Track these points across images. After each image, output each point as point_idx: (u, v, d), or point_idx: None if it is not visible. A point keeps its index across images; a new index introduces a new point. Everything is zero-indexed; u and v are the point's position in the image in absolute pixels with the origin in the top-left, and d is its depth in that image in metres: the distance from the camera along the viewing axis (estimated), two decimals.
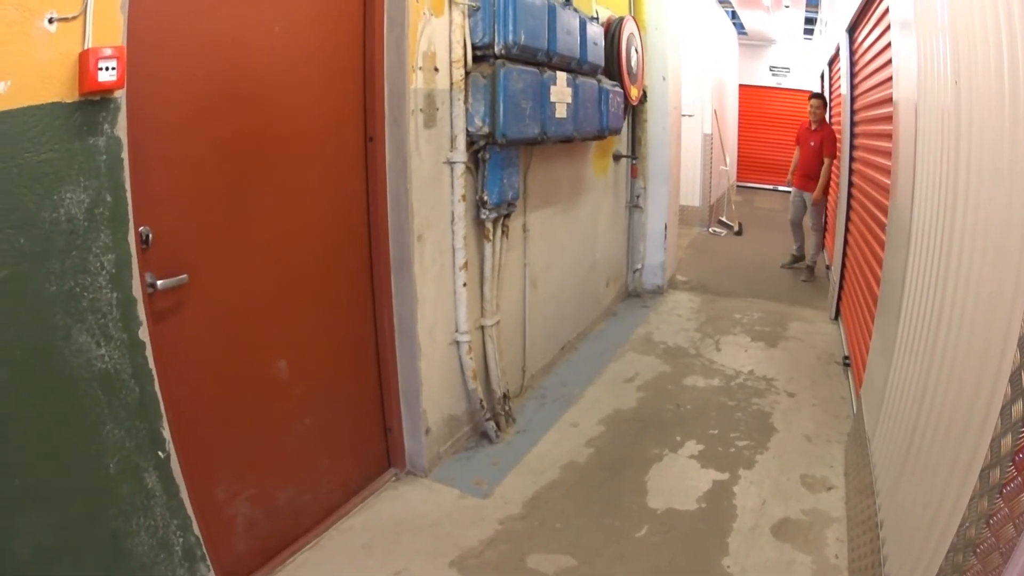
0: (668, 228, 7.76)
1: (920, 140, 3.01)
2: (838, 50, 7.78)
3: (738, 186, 16.60)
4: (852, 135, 6.66)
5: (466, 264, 4.02)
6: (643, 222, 7.65)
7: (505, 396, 4.54)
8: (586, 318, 6.39)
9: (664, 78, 7.33)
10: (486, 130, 3.88)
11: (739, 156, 16.78)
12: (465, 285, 4.04)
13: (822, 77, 11.38)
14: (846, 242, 6.65)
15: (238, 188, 2.89)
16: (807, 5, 12.88)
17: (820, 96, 8.83)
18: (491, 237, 4.26)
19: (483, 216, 4.15)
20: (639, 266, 7.75)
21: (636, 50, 6.38)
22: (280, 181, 3.09)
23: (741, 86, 16.89)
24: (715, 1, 11.77)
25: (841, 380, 5.47)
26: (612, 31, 5.88)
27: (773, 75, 18.05)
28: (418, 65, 3.57)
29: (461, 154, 3.90)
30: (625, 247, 7.60)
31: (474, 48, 3.88)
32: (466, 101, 3.86)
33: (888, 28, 4.56)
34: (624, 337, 6.44)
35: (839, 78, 7.94)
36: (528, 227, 4.90)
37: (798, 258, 9.33)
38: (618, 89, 5.70)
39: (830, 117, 9.16)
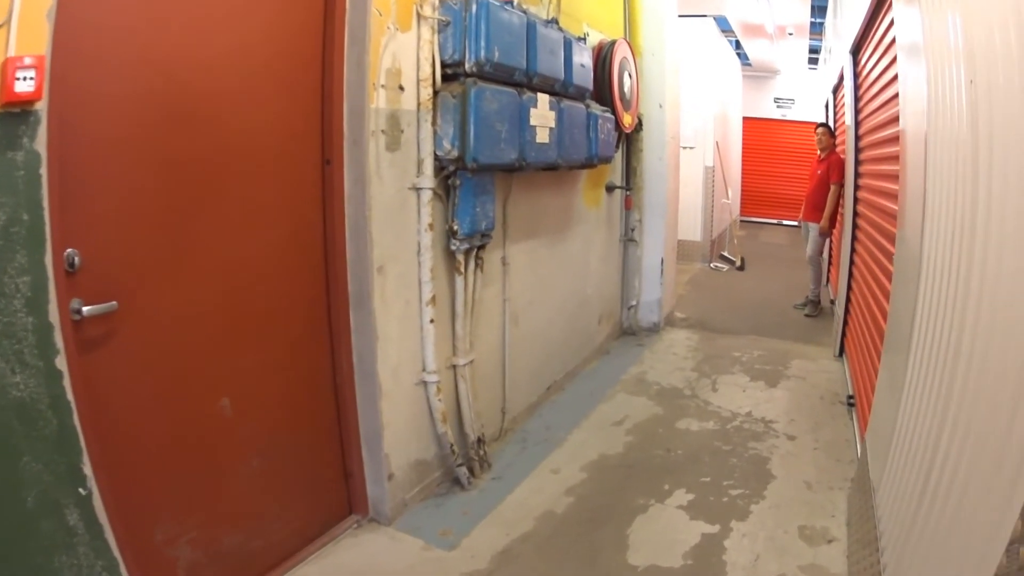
0: (665, 263, 7.50)
1: (931, 168, 2.77)
2: (842, 75, 7.57)
3: (742, 220, 16.45)
4: (857, 161, 6.43)
5: (434, 299, 3.74)
6: (638, 256, 7.38)
7: (480, 440, 4.25)
8: (576, 356, 6.10)
9: (661, 106, 7.11)
10: (455, 154, 3.61)
11: (743, 189, 16.68)
12: (432, 321, 3.75)
13: (827, 106, 11.21)
14: (851, 274, 6.43)
15: (180, 212, 2.74)
16: (811, 33, 12.74)
17: (825, 125, 8.62)
18: (463, 270, 3.97)
19: (454, 247, 3.87)
20: (634, 302, 7.46)
21: (630, 75, 6.15)
22: (228, 206, 2.93)
23: (745, 118, 16.78)
24: (718, 31, 11.58)
25: (845, 422, 5.20)
26: (604, 54, 5.66)
27: (778, 107, 17.96)
28: (380, 83, 3.34)
29: (429, 180, 3.63)
30: (619, 282, 7.32)
31: (444, 65, 3.63)
32: (434, 123, 3.61)
33: (891, 45, 4.37)
34: (616, 377, 6.15)
35: (843, 103, 7.72)
36: (508, 260, 4.62)
37: (815, 303, 8.76)
38: (609, 115, 5.45)
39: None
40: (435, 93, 3.60)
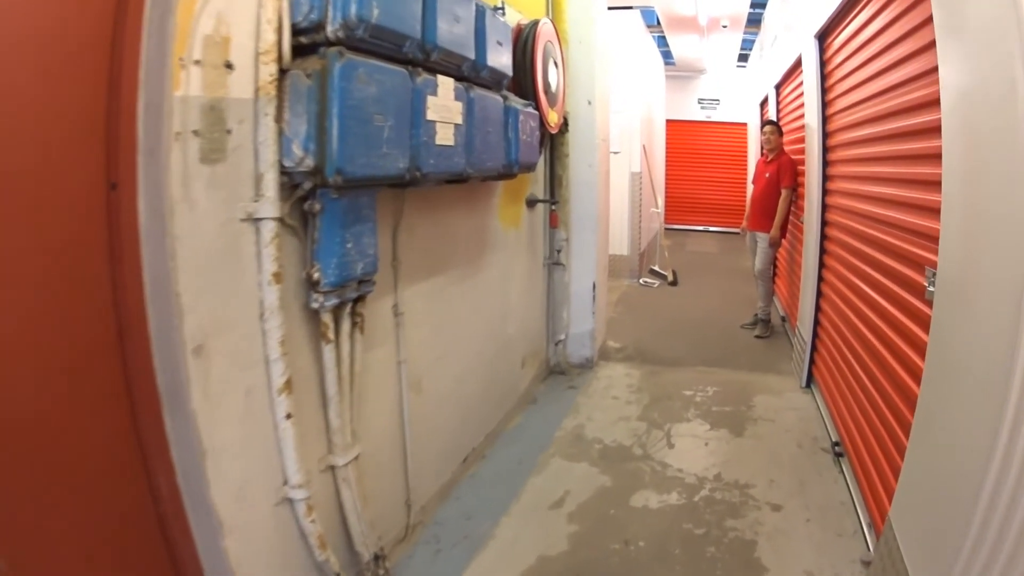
0: (597, 287, 6.48)
1: None
2: (797, 64, 6.72)
3: (667, 228, 15.86)
4: (824, 163, 5.54)
5: (289, 383, 2.51)
6: (566, 282, 6.31)
7: (378, 557, 3.08)
8: (497, 411, 4.98)
9: (590, 102, 6.06)
10: (311, 163, 2.39)
11: (666, 196, 16.00)
12: (289, 417, 2.52)
13: (763, 104, 10.45)
14: (820, 293, 5.61)
15: None
16: (747, 26, 12.01)
17: (774, 123, 7.79)
18: (332, 336, 2.75)
19: (316, 304, 2.64)
20: (562, 336, 6.39)
21: (556, 64, 5.07)
22: None
23: (668, 121, 16.16)
24: (643, 26, 10.76)
25: (834, 476, 4.36)
26: (524, 37, 4.58)
27: (702, 108, 17.51)
28: (193, 58, 2.11)
29: (272, 205, 2.39)
30: (545, 315, 6.22)
31: (297, 31, 2.43)
32: (280, 118, 2.38)
33: (891, 24, 3.61)
34: (548, 435, 5.03)
35: (799, 96, 6.84)
36: (402, 309, 3.41)
37: (766, 322, 7.95)
38: (532, 111, 4.32)
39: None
40: (282, 72, 2.40)
